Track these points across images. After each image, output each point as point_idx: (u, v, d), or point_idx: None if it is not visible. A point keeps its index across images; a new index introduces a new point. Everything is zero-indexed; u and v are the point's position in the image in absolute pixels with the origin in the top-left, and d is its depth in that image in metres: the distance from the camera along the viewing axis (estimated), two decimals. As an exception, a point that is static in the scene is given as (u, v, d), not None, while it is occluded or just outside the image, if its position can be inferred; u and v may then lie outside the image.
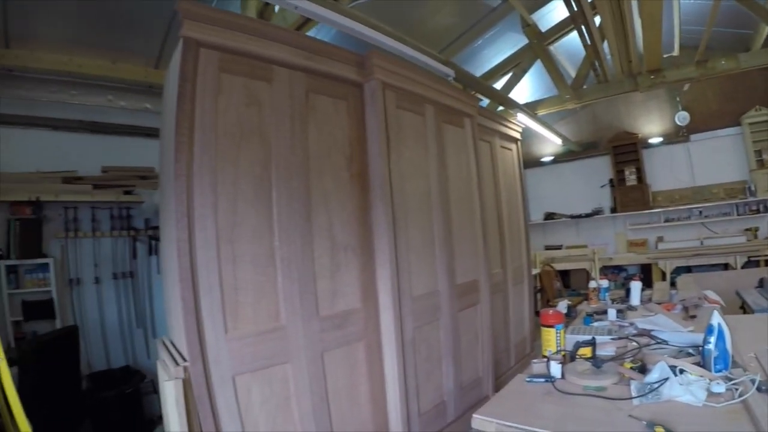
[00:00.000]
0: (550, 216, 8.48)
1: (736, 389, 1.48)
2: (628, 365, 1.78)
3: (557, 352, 2.07)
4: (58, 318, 3.74)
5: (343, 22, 2.51)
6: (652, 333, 2.27)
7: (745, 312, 3.42)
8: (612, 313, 2.79)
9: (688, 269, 6.80)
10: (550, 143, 8.16)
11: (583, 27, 4.21)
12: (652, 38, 4.21)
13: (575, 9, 3.45)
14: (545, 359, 1.94)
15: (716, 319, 1.66)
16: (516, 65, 5.49)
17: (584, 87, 5.37)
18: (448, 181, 3.31)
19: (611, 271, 7.77)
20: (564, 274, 7.54)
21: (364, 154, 2.67)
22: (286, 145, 2.23)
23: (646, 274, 7.27)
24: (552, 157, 8.63)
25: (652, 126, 7.81)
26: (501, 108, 5.32)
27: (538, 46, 5.15)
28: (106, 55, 3.73)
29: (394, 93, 2.83)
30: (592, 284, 3.56)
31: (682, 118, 7.35)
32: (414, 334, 2.80)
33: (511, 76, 5.50)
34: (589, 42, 4.23)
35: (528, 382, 1.84)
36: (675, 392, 1.50)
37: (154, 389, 4.12)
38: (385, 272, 2.60)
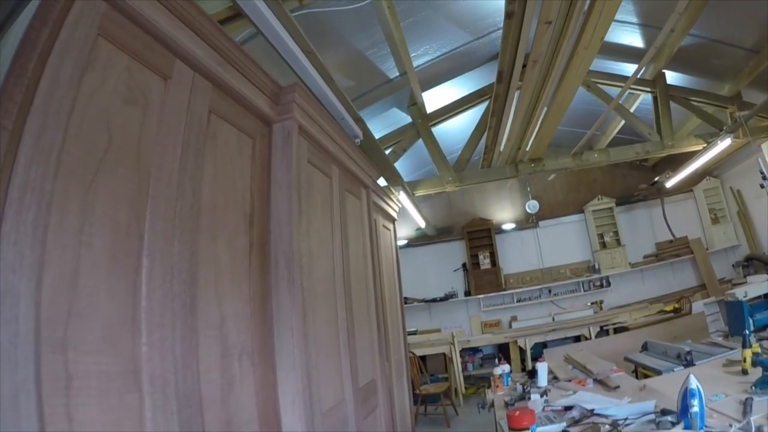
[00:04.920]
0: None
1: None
2: (623, 453, 1.62)
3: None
4: None
5: (279, 31, 1.92)
6: (596, 412, 2.18)
7: (637, 376, 3.53)
8: (538, 398, 2.67)
9: (544, 345, 7.11)
10: (404, 227, 8.19)
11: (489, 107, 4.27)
12: (551, 127, 4.44)
13: (502, 87, 3.46)
14: None
15: (694, 381, 1.79)
16: (396, 143, 5.36)
17: (463, 171, 5.47)
18: (350, 260, 2.75)
19: (468, 353, 7.87)
20: (422, 360, 7.33)
21: (265, 216, 1.97)
22: (172, 183, 1.41)
23: (503, 353, 7.47)
24: (405, 241, 8.62)
25: (504, 213, 8.50)
26: (384, 184, 5.08)
27: (422, 126, 5.13)
28: None
29: (307, 143, 2.27)
30: (497, 371, 3.49)
31: (532, 206, 8.23)
32: (325, 466, 2.03)
33: (390, 153, 5.35)
34: (492, 124, 4.29)
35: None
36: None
37: None
38: (294, 386, 1.81)
